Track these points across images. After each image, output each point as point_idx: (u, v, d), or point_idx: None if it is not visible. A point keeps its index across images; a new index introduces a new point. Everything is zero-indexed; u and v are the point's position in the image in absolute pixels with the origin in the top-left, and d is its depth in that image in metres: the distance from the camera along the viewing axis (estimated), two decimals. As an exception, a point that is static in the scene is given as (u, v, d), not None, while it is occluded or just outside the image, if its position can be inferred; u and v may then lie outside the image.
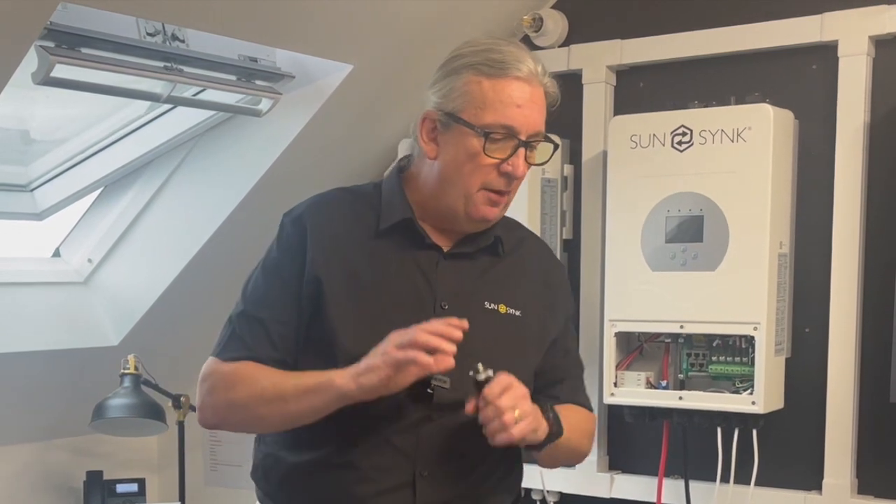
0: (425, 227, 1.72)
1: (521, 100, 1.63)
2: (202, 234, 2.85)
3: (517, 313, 1.75)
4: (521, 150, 1.65)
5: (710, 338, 2.47)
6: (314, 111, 2.62)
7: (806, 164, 2.47)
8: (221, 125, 2.79)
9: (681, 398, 2.48)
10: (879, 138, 2.38)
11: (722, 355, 2.47)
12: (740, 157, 2.35)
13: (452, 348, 1.53)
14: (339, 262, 1.68)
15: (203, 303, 3.08)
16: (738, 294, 2.38)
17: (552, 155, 1.72)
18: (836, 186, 2.41)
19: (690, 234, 2.42)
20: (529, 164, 1.68)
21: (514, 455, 1.79)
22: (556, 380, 1.82)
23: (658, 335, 2.53)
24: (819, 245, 2.45)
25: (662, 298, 2.46)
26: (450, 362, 1.53)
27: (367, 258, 1.70)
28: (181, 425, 3.08)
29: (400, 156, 2.80)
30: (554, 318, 1.83)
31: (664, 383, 2.52)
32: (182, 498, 3.06)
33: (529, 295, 1.79)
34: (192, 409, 3.10)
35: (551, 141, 1.70)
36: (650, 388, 2.53)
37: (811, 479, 2.49)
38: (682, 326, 2.46)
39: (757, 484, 2.49)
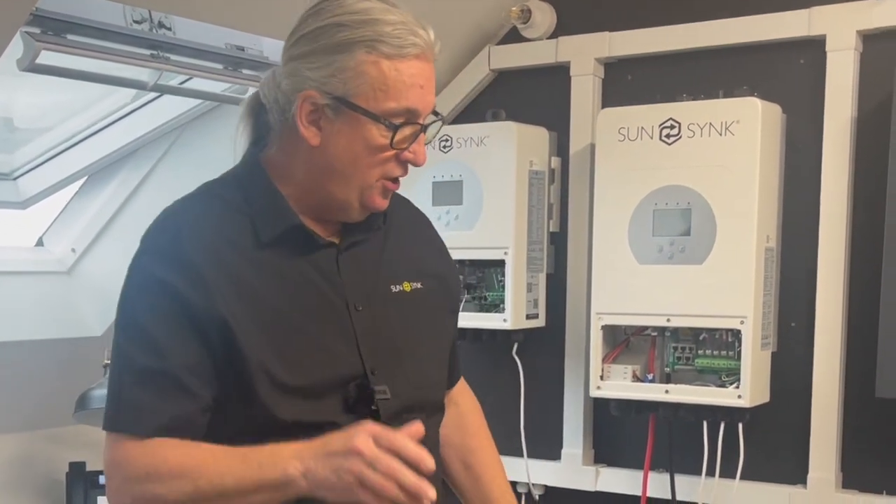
0: (307, 222, 1.51)
1: (423, 79, 1.45)
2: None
3: (419, 286, 1.61)
4: (422, 136, 1.49)
5: (696, 331, 2.47)
6: (301, 101, 2.60)
7: (793, 158, 2.47)
8: (207, 114, 2.76)
9: (667, 391, 2.48)
10: (866, 133, 2.38)
11: (708, 349, 2.46)
12: (728, 150, 2.35)
13: (432, 494, 1.34)
14: (234, 289, 1.44)
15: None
16: (725, 288, 2.38)
17: (439, 130, 1.58)
18: (823, 181, 2.41)
19: (678, 227, 2.42)
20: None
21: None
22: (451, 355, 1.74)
23: (644, 328, 2.53)
24: (805, 239, 2.45)
25: (649, 291, 2.46)
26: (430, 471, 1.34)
27: (261, 276, 1.47)
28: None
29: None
30: (451, 280, 1.73)
31: (650, 377, 2.52)
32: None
33: (423, 261, 1.66)
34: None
35: (439, 116, 1.54)
36: (636, 381, 2.53)
37: (796, 473, 2.49)
38: (668, 320, 2.46)
39: (742, 478, 2.49)
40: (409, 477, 1.31)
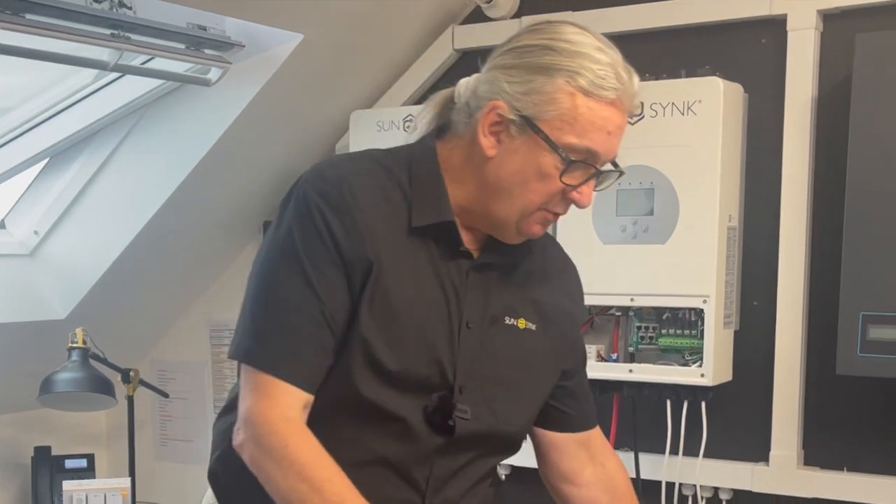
0: (461, 227, 1.50)
1: (613, 126, 1.43)
2: (150, 205, 2.82)
3: (533, 327, 1.59)
4: (594, 180, 1.46)
5: (659, 311, 2.48)
6: (264, 81, 2.59)
7: (755, 137, 2.48)
8: (170, 95, 2.75)
9: (631, 371, 2.49)
10: (827, 111, 2.39)
11: (671, 328, 2.47)
12: (691, 130, 2.35)
13: None
14: (379, 251, 1.44)
15: (152, 275, 3.05)
16: (688, 267, 2.39)
17: (615, 181, 1.53)
18: (785, 160, 2.42)
19: (641, 207, 2.43)
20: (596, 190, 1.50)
21: (496, 477, 1.73)
22: (575, 407, 1.71)
23: (608, 308, 2.54)
24: (767, 219, 2.46)
25: (613, 271, 2.47)
26: None
27: (399, 257, 1.46)
28: (130, 400, 3.05)
29: (352, 128, 2.79)
30: (575, 327, 1.70)
31: (614, 356, 2.53)
32: (132, 473, 3.03)
33: (548, 305, 1.62)
34: (142, 383, 3.07)
35: (618, 169, 1.51)
36: (601, 360, 2.54)
37: (759, 450, 2.51)
38: (632, 299, 2.47)
39: (705, 456, 2.50)
40: None
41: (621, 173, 1.52)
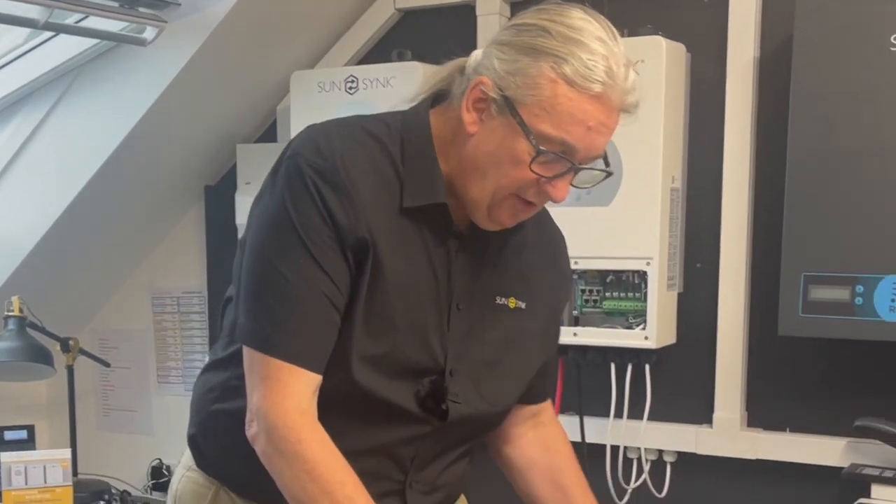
0: (450, 203, 1.44)
1: (595, 122, 1.33)
2: (86, 169, 2.75)
3: (523, 306, 1.54)
4: (570, 175, 1.38)
5: (603, 273, 2.47)
6: (201, 41, 2.52)
7: (697, 98, 2.46)
8: (104, 55, 2.68)
9: (575, 334, 2.48)
10: (769, 72, 2.38)
11: (615, 291, 2.47)
12: (633, 90, 2.33)
13: None
14: (372, 228, 1.38)
15: (90, 242, 2.99)
16: (632, 229, 2.37)
17: (600, 182, 1.46)
18: (727, 121, 2.41)
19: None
20: (573, 185, 1.42)
21: (476, 449, 1.67)
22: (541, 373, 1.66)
23: (553, 271, 2.52)
24: (710, 180, 2.45)
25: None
26: None
27: (391, 238, 1.40)
28: (70, 369, 3.00)
29: (292, 88, 2.72)
30: (561, 303, 1.67)
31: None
32: (73, 444, 2.98)
33: (537, 283, 1.57)
34: (82, 352, 3.02)
35: (606, 170, 1.44)
36: (545, 324, 2.52)
37: (702, 412, 2.52)
38: (576, 262, 2.43)
39: (650, 419, 2.50)
40: None
41: (608, 174, 1.44)
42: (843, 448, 2.34)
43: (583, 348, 2.51)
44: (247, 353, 1.41)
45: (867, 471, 2.25)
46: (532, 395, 1.67)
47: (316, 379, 1.39)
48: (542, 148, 1.34)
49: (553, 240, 1.65)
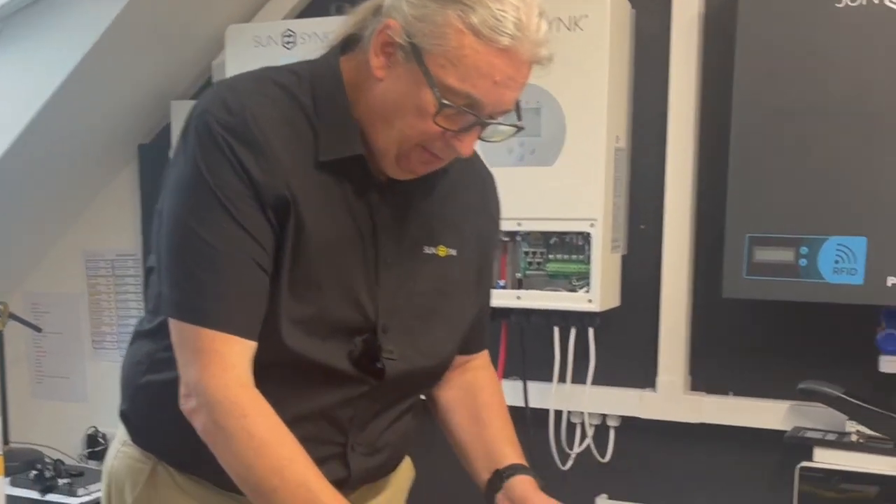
0: (368, 154, 1.37)
1: (501, 76, 1.27)
2: (13, 127, 2.64)
3: (454, 253, 1.48)
4: (477, 129, 1.33)
5: (547, 235, 2.42)
6: (132, -7, 2.44)
7: (642, 55, 2.42)
8: (30, 8, 2.56)
9: (518, 298, 2.43)
10: (713, 29, 2.34)
11: (559, 253, 2.42)
12: (577, 46, 2.27)
13: None
14: (291, 184, 1.32)
15: (20, 202, 2.89)
16: (575, 190, 2.33)
17: (511, 136, 1.40)
18: (672, 79, 2.36)
19: (528, 128, 2.33)
20: (481, 140, 1.36)
21: (419, 406, 1.62)
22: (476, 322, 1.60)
23: (496, 233, 2.47)
24: (654, 139, 2.41)
25: (500, 195, 2.38)
26: None
27: (309, 195, 1.33)
28: (0, 335, 2.90)
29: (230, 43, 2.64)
30: (491, 246, 1.61)
31: (502, 283, 2.47)
32: (4, 412, 2.91)
33: (467, 227, 1.51)
34: (12, 317, 2.92)
35: (517, 125, 1.37)
36: (488, 288, 2.47)
37: (646, 376, 2.49)
38: (519, 224, 2.41)
39: (593, 383, 2.47)
40: None
41: (519, 129, 1.38)
42: (786, 411, 2.32)
43: (526, 312, 2.46)
44: (175, 325, 1.34)
45: (810, 434, 2.23)
46: (468, 346, 1.62)
47: (251, 346, 1.33)
48: (445, 101, 1.27)
49: (481, 182, 1.59)
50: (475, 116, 1.30)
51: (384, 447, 1.52)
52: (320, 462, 1.39)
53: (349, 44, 1.39)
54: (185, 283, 1.32)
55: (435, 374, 1.55)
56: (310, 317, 1.36)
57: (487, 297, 1.64)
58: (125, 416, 1.52)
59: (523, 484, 1.54)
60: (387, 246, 1.41)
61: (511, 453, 1.59)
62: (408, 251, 1.44)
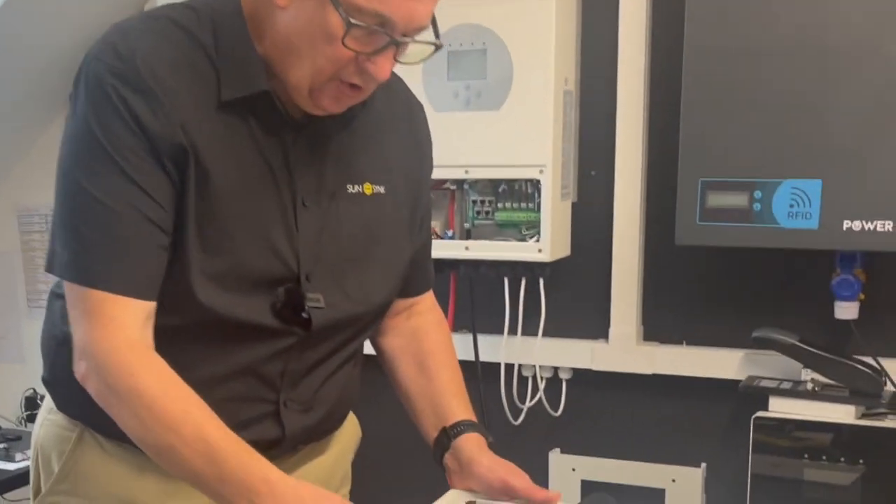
0: (279, 91, 1.29)
1: None
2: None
3: (382, 190, 1.41)
4: (392, 49, 1.24)
5: (495, 183, 2.34)
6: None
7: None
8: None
9: (467, 248, 2.36)
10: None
11: (508, 202, 2.34)
12: (524, -16, 2.19)
13: None
14: (189, 130, 1.24)
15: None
16: (524, 135, 2.25)
17: (430, 56, 1.30)
18: (621, 20, 2.28)
19: (473, 70, 2.26)
20: (399, 63, 1.28)
21: (360, 357, 1.54)
22: (412, 271, 1.53)
23: (443, 182, 2.38)
24: (604, 83, 2.33)
25: (446, 142, 2.24)
26: None
27: (215, 140, 1.26)
28: (-71, 294, 2.79)
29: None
30: (424, 179, 1.51)
31: (450, 233, 2.39)
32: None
33: (394, 160, 1.44)
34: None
35: (435, 38, 1.28)
36: (436, 238, 2.39)
37: (598, 327, 2.43)
38: (467, 171, 2.32)
39: (545, 335, 2.41)
40: None
41: (437, 46, 1.29)
42: (741, 360, 2.27)
43: (475, 263, 2.39)
44: (66, 286, 1.26)
45: (765, 383, 2.19)
46: (408, 289, 1.55)
47: (146, 306, 1.25)
48: (353, 21, 1.20)
49: (408, 114, 1.51)
50: (387, 36, 1.22)
51: (322, 403, 1.44)
52: (252, 422, 1.33)
53: None
54: (74, 242, 1.24)
55: (369, 321, 1.46)
56: (225, 271, 1.28)
57: (425, 236, 1.55)
58: (47, 383, 1.45)
59: (470, 444, 1.48)
60: (305, 187, 1.32)
61: (458, 408, 1.53)
62: (329, 191, 1.35)
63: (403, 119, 1.49)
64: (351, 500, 1.50)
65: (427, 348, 1.59)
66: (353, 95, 1.29)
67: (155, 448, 1.24)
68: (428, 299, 1.63)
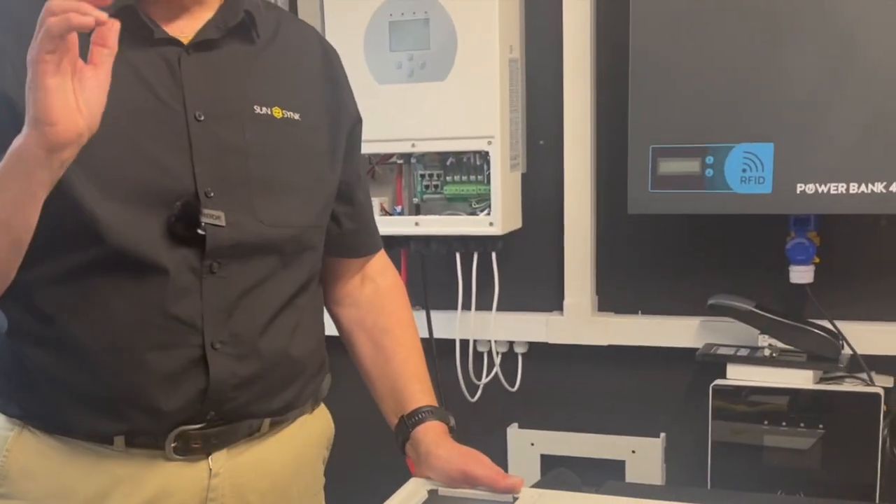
0: (152, 10, 1.27)
1: None
2: None
3: (296, 117, 1.37)
4: None
5: (443, 156, 2.28)
6: None
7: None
8: None
9: (417, 224, 2.30)
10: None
11: (456, 175, 2.29)
12: (465, -51, 2.12)
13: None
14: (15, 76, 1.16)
15: None
16: (470, 106, 2.19)
17: None
18: (565, -19, 2.23)
19: (416, 40, 2.20)
20: None
21: (316, 297, 1.47)
22: (353, 229, 1.50)
23: (390, 156, 2.32)
24: (550, 50, 2.27)
25: (391, 115, 2.24)
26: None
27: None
28: None
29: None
30: (343, 121, 1.46)
31: (399, 209, 2.34)
32: None
33: (309, 93, 1.41)
34: None
35: None
36: (385, 215, 2.34)
37: (552, 300, 2.39)
38: (413, 145, 2.26)
39: (499, 309, 2.36)
40: None
41: None
42: (697, 328, 2.24)
43: (425, 238, 2.33)
44: None
45: (722, 350, 2.16)
46: (357, 248, 1.53)
47: None
48: None
49: (323, 52, 1.48)
50: None
51: (264, 352, 1.34)
52: (178, 373, 1.26)
53: None
54: None
55: (290, 247, 1.37)
56: (118, 195, 1.22)
57: (354, 171, 1.49)
58: None
59: (429, 435, 1.43)
60: (198, 102, 1.28)
61: (418, 392, 1.49)
62: (232, 110, 1.30)
63: (317, 58, 1.46)
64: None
65: (383, 324, 1.54)
66: None
67: None
68: (380, 260, 1.59)
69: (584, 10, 2.22)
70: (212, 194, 1.27)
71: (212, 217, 1.26)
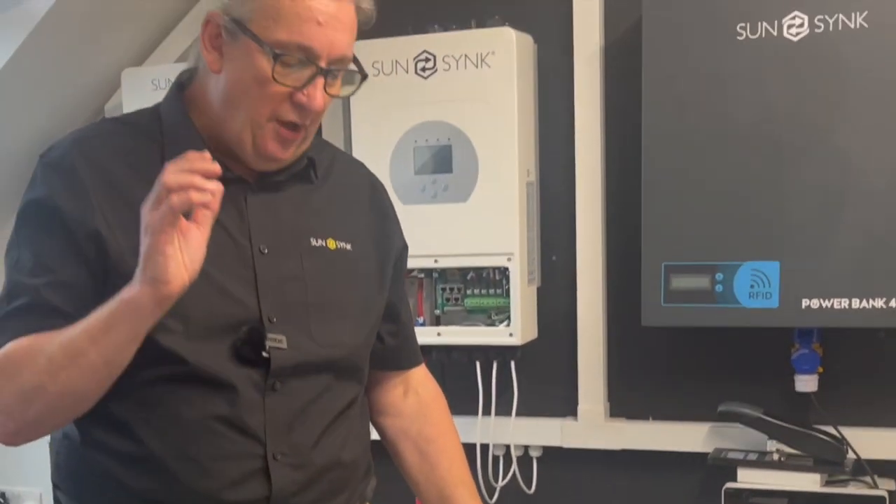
0: (222, 157, 1.38)
1: (324, 16, 1.33)
2: None
3: (348, 247, 1.50)
4: (320, 80, 1.35)
5: (464, 271, 2.41)
6: (23, 37, 2.32)
7: (546, 89, 2.42)
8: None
9: (439, 334, 2.42)
10: (615, 60, 2.35)
11: (476, 288, 2.41)
12: (485, 82, 2.28)
13: (211, 167, 1.22)
14: (125, 210, 1.32)
15: None
16: (491, 225, 2.33)
17: (359, 86, 1.42)
18: (577, 111, 2.37)
19: (440, 164, 2.34)
20: (331, 96, 1.38)
21: (363, 407, 1.59)
22: (397, 345, 1.63)
23: (412, 271, 2.44)
24: (563, 172, 2.42)
25: (414, 233, 2.30)
26: (216, 173, 1.23)
27: None
28: None
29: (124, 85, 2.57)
30: (390, 249, 1.59)
31: (421, 320, 2.45)
32: None
33: (359, 225, 1.54)
34: None
35: (360, 70, 1.41)
36: (407, 325, 2.44)
37: (567, 405, 2.49)
38: (436, 261, 2.39)
39: (517, 414, 2.47)
40: (181, 175, 1.20)
41: (363, 76, 1.42)
42: (707, 433, 2.35)
43: (447, 348, 2.44)
44: None
45: (732, 455, 2.26)
46: (400, 361, 1.66)
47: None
48: (277, 52, 1.32)
49: (370, 186, 1.63)
50: (313, 66, 1.34)
51: (318, 458, 1.45)
52: (241, 481, 1.37)
53: (190, 78, 1.46)
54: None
55: (343, 367, 1.49)
56: (188, 323, 1.34)
57: (400, 292, 1.64)
58: (57, 487, 1.48)
59: None
60: (262, 237, 1.42)
61: (466, 496, 1.64)
62: (291, 243, 1.45)
63: (365, 190, 1.60)
64: None
65: (427, 433, 1.67)
66: (294, 137, 1.39)
67: (29, 400, 1.30)
68: (421, 371, 1.72)
69: (594, 134, 2.37)
70: (274, 320, 1.40)
71: (275, 341, 1.39)
